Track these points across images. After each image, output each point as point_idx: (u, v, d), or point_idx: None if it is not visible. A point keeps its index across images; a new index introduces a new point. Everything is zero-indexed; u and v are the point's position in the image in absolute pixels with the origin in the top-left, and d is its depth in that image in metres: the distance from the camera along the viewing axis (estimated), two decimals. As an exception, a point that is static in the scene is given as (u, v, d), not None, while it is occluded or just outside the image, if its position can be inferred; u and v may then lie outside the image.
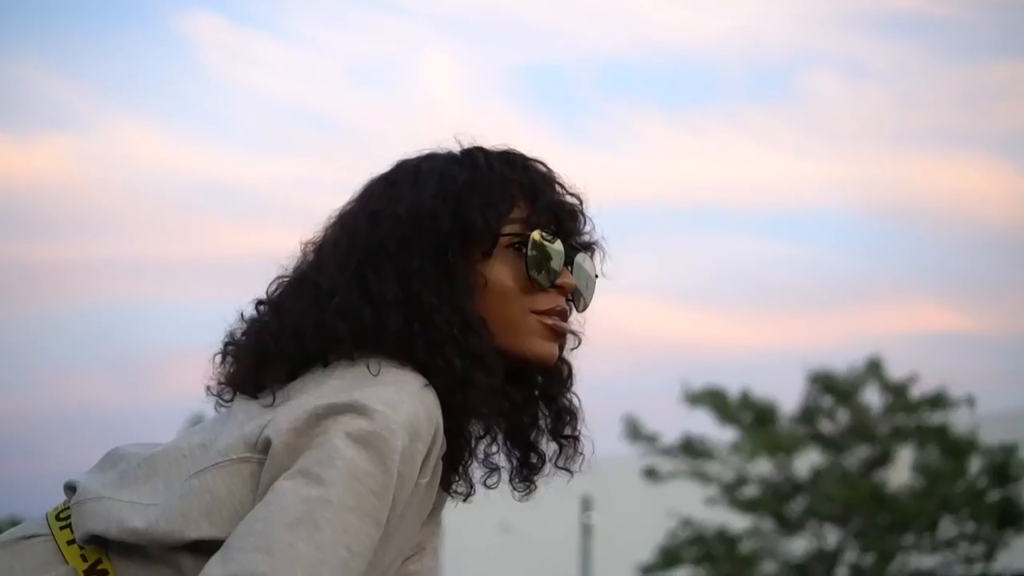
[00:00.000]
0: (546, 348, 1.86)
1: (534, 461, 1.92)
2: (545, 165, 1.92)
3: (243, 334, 1.83)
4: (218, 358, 1.84)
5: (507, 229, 1.84)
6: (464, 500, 1.93)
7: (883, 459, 18.89)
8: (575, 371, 1.95)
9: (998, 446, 18.10)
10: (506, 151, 1.91)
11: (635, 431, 19.82)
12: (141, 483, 1.75)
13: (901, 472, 18.59)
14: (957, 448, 18.33)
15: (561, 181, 1.92)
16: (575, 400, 1.94)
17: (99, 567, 1.73)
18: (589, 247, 1.93)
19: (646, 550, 20.41)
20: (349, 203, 1.89)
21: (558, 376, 1.92)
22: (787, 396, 20.21)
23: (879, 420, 18.91)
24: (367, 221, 1.85)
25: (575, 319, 1.93)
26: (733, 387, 19.74)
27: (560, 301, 1.87)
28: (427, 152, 1.91)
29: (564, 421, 1.92)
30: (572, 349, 1.95)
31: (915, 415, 18.70)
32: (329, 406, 1.70)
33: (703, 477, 19.63)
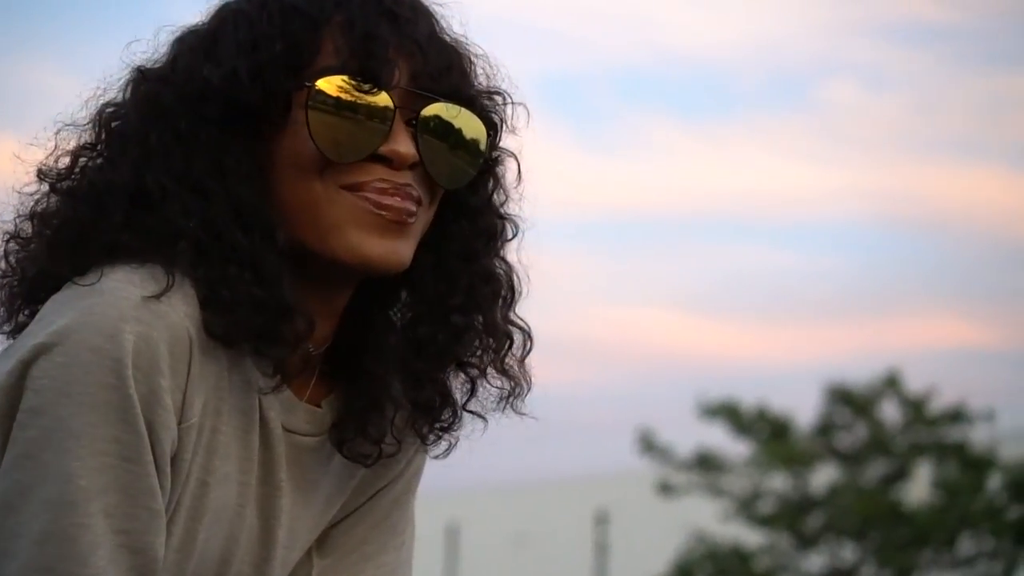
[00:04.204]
0: (371, 245, 1.37)
1: (425, 400, 1.46)
2: None
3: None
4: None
5: (310, 82, 1.37)
6: (368, 464, 1.47)
7: (901, 474, 18.59)
8: (507, 273, 1.47)
9: (1018, 462, 17.65)
10: None
11: (648, 444, 19.65)
12: None
13: (919, 488, 18.39)
14: (976, 464, 18.27)
15: (413, 9, 1.42)
16: (492, 315, 1.46)
17: None
18: (458, 95, 1.42)
19: (660, 564, 20.16)
20: None
21: (461, 279, 1.45)
22: (803, 410, 20.11)
23: (897, 435, 18.65)
24: (126, 93, 1.43)
25: (515, 200, 1.47)
26: (748, 400, 19.49)
27: (385, 172, 1.38)
28: None
29: (469, 345, 1.46)
30: (505, 241, 1.48)
31: (934, 430, 18.43)
32: (29, 351, 1.31)
33: (718, 491, 19.40)
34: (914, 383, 18.84)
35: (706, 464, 19.16)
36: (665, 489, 19.61)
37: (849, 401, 18.83)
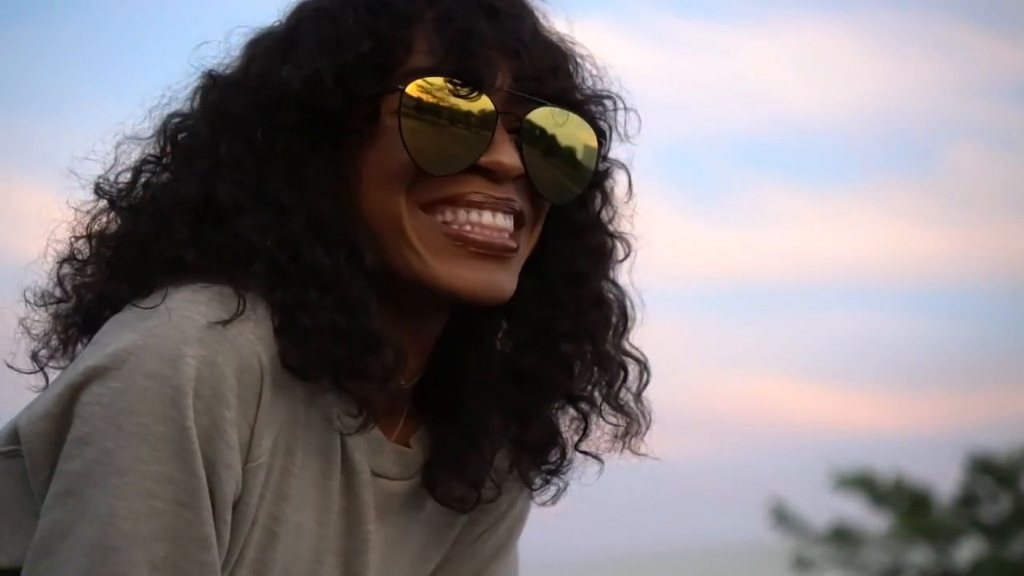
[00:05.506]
0: (457, 275, 1.28)
1: (530, 439, 1.35)
2: None
3: None
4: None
5: (401, 85, 1.27)
6: (465, 509, 1.37)
7: (1049, 548, 18.97)
8: (618, 298, 1.37)
9: None
10: None
11: (781, 516, 19.61)
12: None
13: (1069, 562, 18.56)
14: None
15: (514, 3, 1.32)
16: (603, 344, 1.36)
17: None
18: (566, 99, 1.31)
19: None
20: None
21: (566, 307, 1.34)
22: (941, 480, 20.19)
23: (1044, 506, 18.37)
24: (198, 102, 1.34)
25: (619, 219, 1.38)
26: (883, 470, 19.28)
27: (483, 184, 1.28)
28: None
29: (580, 378, 1.36)
30: (616, 262, 1.38)
31: (1082, 500, 18.88)
32: (81, 374, 1.22)
33: (856, 566, 19.47)
34: (1059, 452, 18.82)
35: (842, 537, 18.94)
36: (801, 564, 19.27)
37: (992, 471, 18.86)
